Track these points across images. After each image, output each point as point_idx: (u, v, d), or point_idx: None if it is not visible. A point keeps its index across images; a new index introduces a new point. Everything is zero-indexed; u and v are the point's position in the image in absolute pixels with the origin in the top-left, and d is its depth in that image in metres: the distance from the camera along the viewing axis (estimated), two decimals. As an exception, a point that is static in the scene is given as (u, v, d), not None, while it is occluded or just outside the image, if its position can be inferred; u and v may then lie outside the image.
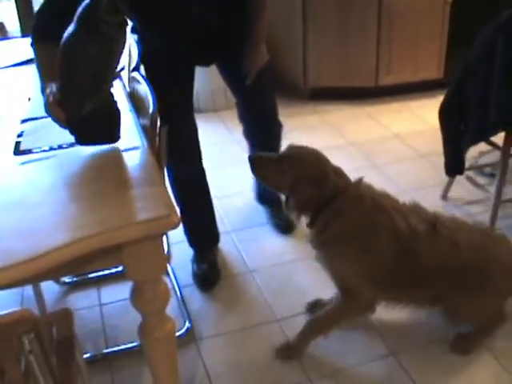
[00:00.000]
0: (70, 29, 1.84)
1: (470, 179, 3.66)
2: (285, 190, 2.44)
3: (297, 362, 2.52)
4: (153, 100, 2.25)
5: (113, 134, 2.08)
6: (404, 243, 2.35)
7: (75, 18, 1.82)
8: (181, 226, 3.12)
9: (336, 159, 4.14)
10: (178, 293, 2.92)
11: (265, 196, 3.52)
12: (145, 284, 1.77)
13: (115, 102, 2.07)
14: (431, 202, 3.62)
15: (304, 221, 2.47)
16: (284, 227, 3.46)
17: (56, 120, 2.01)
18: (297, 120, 4.95)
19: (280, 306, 2.85)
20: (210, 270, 3.09)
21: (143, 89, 2.43)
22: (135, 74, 2.64)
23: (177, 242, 3.33)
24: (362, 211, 2.35)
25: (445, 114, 3.28)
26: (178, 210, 2.83)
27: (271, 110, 3.17)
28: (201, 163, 2.98)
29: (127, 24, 1.92)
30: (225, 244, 3.33)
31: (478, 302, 2.47)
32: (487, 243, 2.50)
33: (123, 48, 1.98)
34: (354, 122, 4.91)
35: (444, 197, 3.73)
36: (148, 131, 2.20)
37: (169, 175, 2.79)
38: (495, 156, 3.45)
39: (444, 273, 2.41)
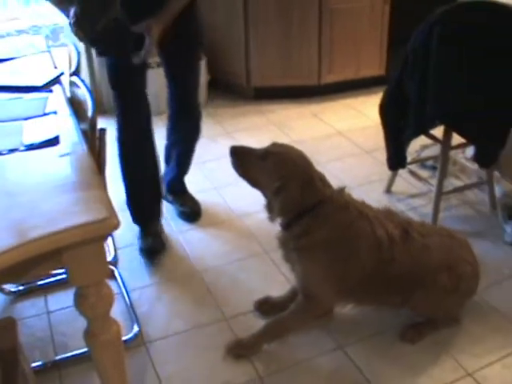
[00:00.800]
0: None
1: (412, 173, 3.72)
2: (267, 189, 2.41)
3: (246, 359, 2.53)
4: (92, 104, 2.24)
5: (126, 45, 2.63)
6: (384, 251, 2.41)
7: None
8: (126, 229, 3.26)
9: None
10: (126, 297, 2.90)
11: (173, 186, 3.64)
12: (88, 288, 1.76)
13: (123, 19, 2.53)
14: (375, 196, 3.70)
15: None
16: (191, 215, 3.58)
17: (78, 37, 2.58)
18: (241, 120, 4.98)
19: (228, 305, 2.86)
20: (155, 242, 3.24)
21: (82, 93, 2.43)
22: (74, 79, 2.63)
23: (124, 246, 3.32)
24: (348, 220, 2.39)
25: (385, 110, 3.34)
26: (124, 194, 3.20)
27: (192, 91, 3.29)
28: (150, 136, 3.14)
29: None
30: (171, 245, 3.34)
31: (447, 299, 2.55)
32: (454, 245, 2.61)
33: None
34: (298, 121, 4.95)
35: (388, 191, 3.79)
36: (88, 135, 2.19)
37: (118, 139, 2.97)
38: (436, 149, 3.53)
39: (417, 276, 2.49)
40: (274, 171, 2.34)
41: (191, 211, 3.60)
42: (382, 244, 2.40)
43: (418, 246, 2.47)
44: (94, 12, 2.47)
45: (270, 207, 2.43)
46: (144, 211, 3.33)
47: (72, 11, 2.52)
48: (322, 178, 2.40)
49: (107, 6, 2.46)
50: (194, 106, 3.35)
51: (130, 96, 3.01)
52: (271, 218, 2.43)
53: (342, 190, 2.46)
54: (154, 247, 3.23)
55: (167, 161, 3.64)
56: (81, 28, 2.52)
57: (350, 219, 2.39)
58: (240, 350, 2.55)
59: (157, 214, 3.36)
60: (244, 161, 2.44)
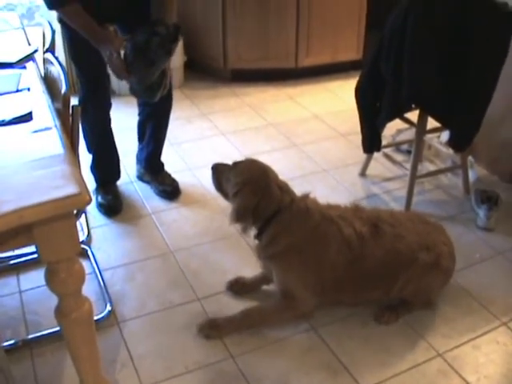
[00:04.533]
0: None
1: (387, 156, 3.73)
2: (228, 197, 2.53)
3: (218, 339, 2.54)
4: (65, 81, 2.22)
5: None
6: (354, 250, 2.47)
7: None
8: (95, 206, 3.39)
9: (256, 140, 4.21)
10: (99, 276, 2.89)
11: (151, 164, 3.66)
12: (58, 264, 1.75)
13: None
14: (350, 179, 3.72)
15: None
16: (172, 193, 3.61)
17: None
18: (217, 102, 4.97)
19: (201, 286, 2.86)
20: (115, 200, 3.49)
21: (56, 70, 2.40)
22: (48, 56, 2.60)
23: (98, 225, 3.32)
24: (311, 224, 2.46)
25: (361, 93, 3.35)
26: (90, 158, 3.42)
27: None
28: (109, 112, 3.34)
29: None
30: (145, 225, 3.33)
31: (431, 276, 2.58)
32: (429, 229, 2.65)
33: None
34: (275, 104, 4.95)
35: (362, 174, 3.80)
36: (61, 112, 2.17)
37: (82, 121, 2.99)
38: (412, 134, 3.54)
39: (396, 265, 2.54)
40: (232, 179, 2.48)
41: (171, 189, 3.61)
42: (350, 243, 2.47)
43: (390, 237, 2.53)
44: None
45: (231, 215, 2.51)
46: (108, 172, 3.56)
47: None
48: (282, 187, 2.49)
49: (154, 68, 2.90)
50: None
51: (89, 69, 3.10)
52: (243, 229, 2.52)
53: (305, 197, 2.54)
54: (115, 206, 3.46)
55: (141, 138, 3.64)
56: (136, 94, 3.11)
57: (313, 223, 2.47)
58: (211, 331, 2.55)
59: (118, 176, 3.61)
60: (219, 175, 2.59)
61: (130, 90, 3.10)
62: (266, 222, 2.46)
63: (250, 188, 2.42)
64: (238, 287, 2.80)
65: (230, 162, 2.58)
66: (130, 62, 2.87)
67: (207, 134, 4.39)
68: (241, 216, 2.45)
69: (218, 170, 2.60)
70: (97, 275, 2.90)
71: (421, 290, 2.60)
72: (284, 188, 2.49)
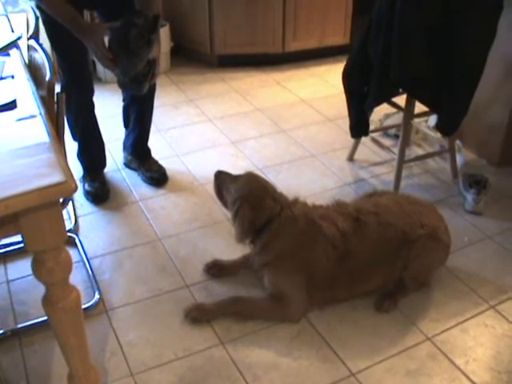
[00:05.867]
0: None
1: (375, 141, 3.73)
2: (226, 205, 2.66)
3: (208, 326, 2.54)
4: (50, 68, 2.20)
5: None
6: (339, 248, 2.50)
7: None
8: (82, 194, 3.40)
9: (244, 125, 4.20)
10: (87, 264, 2.88)
11: (138, 150, 3.65)
12: (45, 254, 1.73)
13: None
14: (338, 164, 3.72)
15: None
16: (159, 179, 3.60)
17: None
18: (204, 87, 4.95)
19: (189, 272, 2.86)
20: (102, 188, 3.49)
21: (40, 57, 2.38)
22: (32, 43, 2.57)
23: (85, 213, 3.31)
24: (296, 231, 2.52)
25: (348, 77, 3.35)
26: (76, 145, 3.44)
27: None
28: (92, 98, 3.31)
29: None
30: (133, 213, 3.32)
31: (431, 258, 2.64)
32: (420, 208, 2.68)
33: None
34: (262, 89, 4.93)
35: (350, 159, 3.80)
36: (45, 99, 2.15)
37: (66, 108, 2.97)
38: (399, 118, 3.53)
39: (391, 250, 2.58)
40: (234, 193, 2.58)
41: (159, 175, 3.60)
42: (334, 242, 2.50)
43: (374, 226, 2.55)
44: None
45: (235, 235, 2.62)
46: (94, 159, 3.55)
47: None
48: (275, 197, 2.57)
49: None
50: None
51: (71, 56, 3.08)
52: (243, 241, 2.62)
53: (295, 202, 2.61)
54: (102, 193, 3.46)
55: (126, 123, 3.63)
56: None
57: (299, 229, 2.53)
58: (198, 314, 2.56)
59: (104, 164, 3.61)
60: (221, 183, 2.69)
61: (117, 83, 3.10)
62: (259, 231, 2.55)
63: (249, 205, 2.51)
64: (215, 270, 2.84)
65: (232, 172, 2.70)
66: (113, 54, 2.86)
67: (194, 120, 4.38)
68: (246, 234, 2.56)
69: (221, 179, 2.69)
70: (85, 263, 2.89)
71: (424, 267, 2.63)
72: (277, 198, 2.56)
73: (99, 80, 4.86)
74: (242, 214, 2.52)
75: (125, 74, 2.96)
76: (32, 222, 1.64)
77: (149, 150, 3.69)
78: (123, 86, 3.12)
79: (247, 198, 2.53)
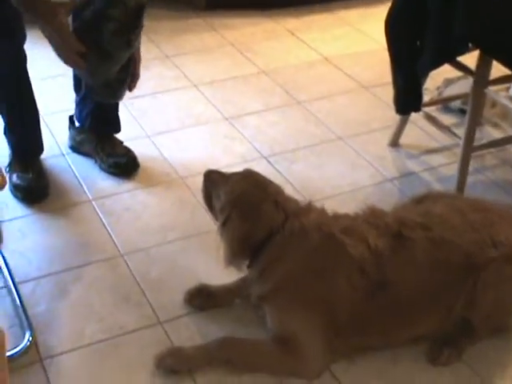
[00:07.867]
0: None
1: (430, 118, 3.68)
2: (216, 216, 2.66)
3: (189, 379, 2.49)
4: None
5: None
6: (370, 275, 2.45)
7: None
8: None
9: (242, 95, 4.23)
10: (14, 291, 2.85)
11: (102, 121, 3.64)
12: None
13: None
14: (376, 151, 3.72)
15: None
16: (128, 166, 3.60)
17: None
18: (187, 39, 4.99)
19: (164, 303, 2.83)
20: (38, 181, 3.48)
21: None
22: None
23: (13, 217, 3.29)
24: (307, 249, 2.50)
25: (392, 28, 3.32)
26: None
27: None
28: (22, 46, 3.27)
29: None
30: (84, 217, 3.31)
31: (507, 294, 2.58)
32: (493, 218, 2.63)
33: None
34: (268, 42, 4.96)
35: (394, 144, 3.79)
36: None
37: None
38: (467, 85, 3.48)
39: (445, 285, 2.52)
40: (223, 198, 2.59)
41: (126, 160, 3.60)
42: (363, 266, 2.45)
43: (423, 246, 2.50)
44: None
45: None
46: (27, 142, 3.54)
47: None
48: (276, 201, 2.54)
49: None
50: None
51: None
52: (238, 266, 2.65)
53: (307, 208, 2.59)
54: (38, 188, 3.46)
55: (78, 85, 3.57)
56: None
57: (309, 247, 2.50)
58: (175, 363, 2.52)
59: (40, 149, 3.58)
60: (210, 186, 2.70)
61: (85, 86, 3.18)
62: (257, 249, 2.53)
63: (238, 213, 2.51)
64: (200, 300, 2.81)
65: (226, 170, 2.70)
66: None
67: (172, 86, 4.40)
68: (236, 255, 2.55)
69: (210, 180, 2.70)
70: (11, 291, 2.86)
71: (499, 304, 2.58)
72: (281, 203, 2.53)
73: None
74: (230, 227, 2.51)
75: (94, 77, 3.00)
76: None
77: (118, 123, 3.66)
78: (92, 91, 3.17)
79: (238, 204, 2.53)
